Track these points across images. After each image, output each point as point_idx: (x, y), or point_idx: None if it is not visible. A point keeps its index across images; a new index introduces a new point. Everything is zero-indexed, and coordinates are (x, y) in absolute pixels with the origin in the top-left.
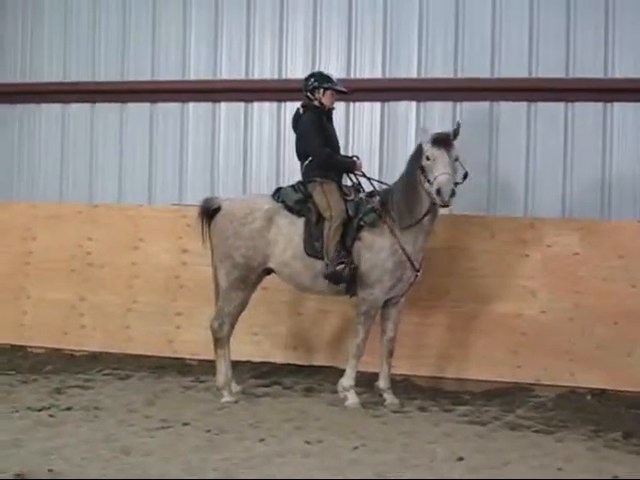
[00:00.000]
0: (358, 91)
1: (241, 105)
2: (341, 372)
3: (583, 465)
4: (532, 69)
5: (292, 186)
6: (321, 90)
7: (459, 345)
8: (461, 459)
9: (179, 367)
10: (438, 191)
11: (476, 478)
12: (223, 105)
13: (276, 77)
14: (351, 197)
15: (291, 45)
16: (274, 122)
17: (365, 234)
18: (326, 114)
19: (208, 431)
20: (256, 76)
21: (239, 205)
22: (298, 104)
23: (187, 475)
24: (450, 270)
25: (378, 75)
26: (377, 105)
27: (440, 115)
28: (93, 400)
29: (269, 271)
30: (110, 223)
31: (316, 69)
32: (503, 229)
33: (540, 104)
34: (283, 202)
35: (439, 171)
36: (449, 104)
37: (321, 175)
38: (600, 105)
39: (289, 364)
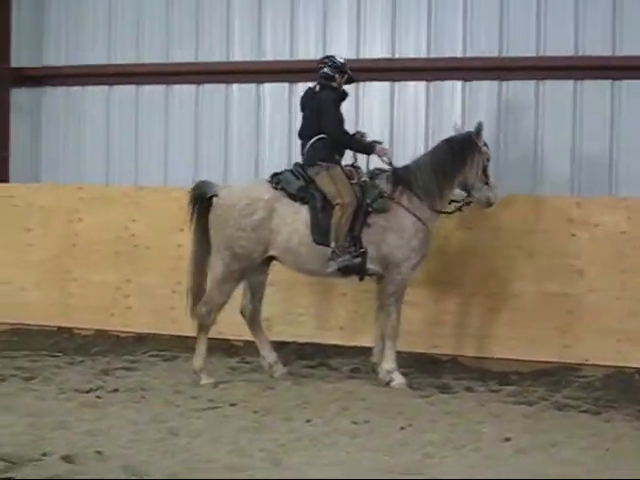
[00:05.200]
0: (402, 71)
1: (285, 86)
2: None
3: (631, 445)
4: (578, 47)
5: (291, 171)
6: (345, 75)
7: (505, 325)
8: (508, 439)
9: (225, 348)
10: (489, 200)
11: (524, 459)
12: (267, 86)
13: (320, 57)
14: (355, 180)
15: (335, 26)
16: None
17: (377, 218)
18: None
19: (255, 412)
20: (300, 57)
21: (238, 195)
22: (345, 85)
23: (235, 456)
24: (496, 250)
25: (423, 54)
26: (422, 84)
27: (486, 94)
28: (140, 381)
29: (270, 259)
30: (155, 205)
31: (360, 50)
32: (549, 208)
33: (586, 82)
34: (283, 189)
35: (493, 180)
36: (494, 83)
37: (325, 158)
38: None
39: (335, 345)
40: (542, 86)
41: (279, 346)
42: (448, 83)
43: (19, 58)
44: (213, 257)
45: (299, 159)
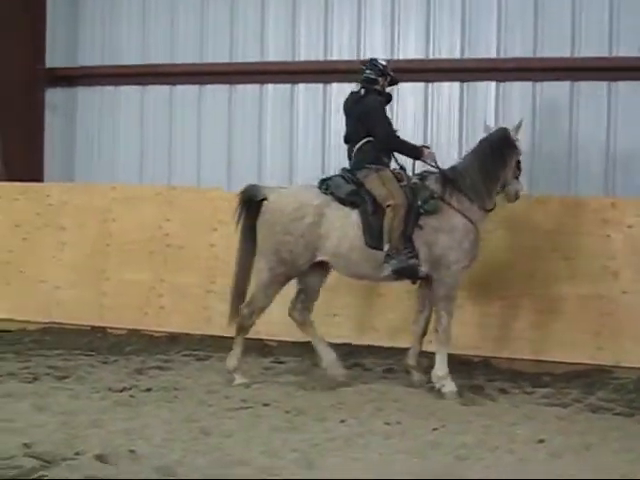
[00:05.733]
0: (436, 71)
1: (319, 86)
2: (420, 354)
3: None
4: (612, 48)
5: (340, 176)
6: (388, 78)
7: (539, 326)
8: (542, 441)
9: (259, 348)
10: (518, 193)
11: (557, 461)
12: (301, 86)
13: (355, 58)
14: (404, 182)
15: (369, 26)
16: None
17: (428, 219)
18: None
19: (288, 412)
20: (334, 57)
21: (287, 199)
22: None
23: (267, 457)
24: (531, 252)
25: (457, 55)
26: (456, 85)
27: (520, 95)
28: (173, 381)
29: (324, 263)
30: (189, 205)
31: (395, 51)
32: (584, 209)
33: (620, 83)
34: (332, 194)
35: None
36: (528, 84)
37: (373, 161)
38: None
39: (369, 345)
40: (576, 87)
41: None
42: (482, 84)
43: (54, 58)
44: (259, 260)
45: (332, 160)
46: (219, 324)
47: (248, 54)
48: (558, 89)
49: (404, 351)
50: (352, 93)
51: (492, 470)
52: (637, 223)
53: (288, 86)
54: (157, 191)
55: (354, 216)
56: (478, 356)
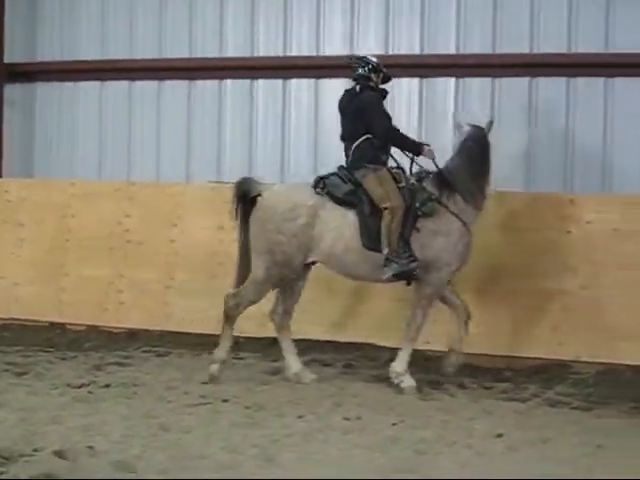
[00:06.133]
0: (396, 67)
1: (279, 82)
2: (379, 349)
3: (622, 442)
4: (571, 45)
5: (337, 175)
6: (381, 74)
7: (499, 322)
8: (500, 436)
9: (218, 344)
10: (491, 192)
11: (515, 455)
12: (260, 82)
13: (313, 54)
14: (402, 183)
15: (328, 22)
16: (311, 99)
17: (425, 221)
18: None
19: (247, 408)
20: (293, 53)
21: (281, 198)
22: (336, 81)
23: (226, 452)
24: (491, 247)
25: (416, 51)
26: (415, 81)
27: (479, 91)
28: (132, 377)
29: (309, 265)
30: (148, 200)
31: (354, 46)
32: (543, 205)
33: (580, 79)
34: (329, 193)
35: None
36: (487, 80)
37: (372, 160)
38: (639, 80)
39: (328, 341)
40: (535, 83)
41: (272, 342)
42: (441, 80)
43: (12, 54)
44: (254, 258)
45: (292, 155)
46: (179, 320)
47: (207, 50)
48: (517, 85)
49: (363, 346)
50: (346, 91)
51: (451, 465)
52: (596, 219)
53: (247, 82)
54: (116, 187)
55: (351, 216)
56: (437, 351)
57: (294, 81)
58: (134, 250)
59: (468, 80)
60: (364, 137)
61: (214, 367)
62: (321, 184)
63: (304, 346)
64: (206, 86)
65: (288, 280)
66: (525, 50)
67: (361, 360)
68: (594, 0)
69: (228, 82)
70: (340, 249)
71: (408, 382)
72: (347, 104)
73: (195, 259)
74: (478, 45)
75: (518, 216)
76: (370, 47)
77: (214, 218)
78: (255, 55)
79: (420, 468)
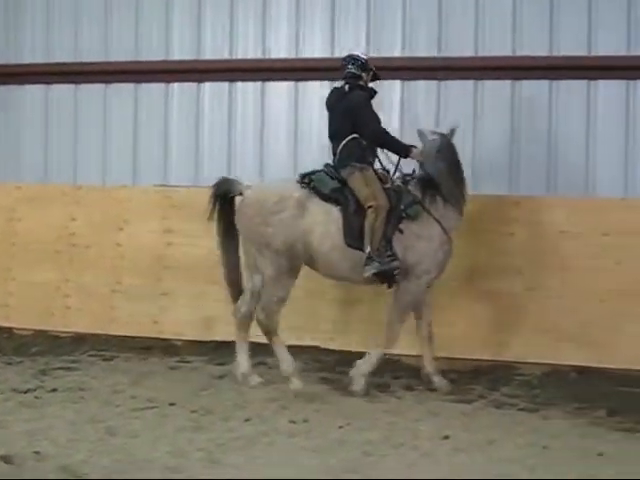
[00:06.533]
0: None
1: (225, 85)
2: (326, 352)
3: (568, 442)
4: (516, 48)
5: (324, 171)
6: (370, 73)
7: (444, 324)
8: (446, 437)
9: (164, 348)
10: None
11: (461, 456)
12: (207, 85)
13: (260, 57)
14: (388, 184)
15: (274, 25)
16: (258, 102)
17: (409, 224)
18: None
19: (194, 411)
20: (240, 56)
21: (266, 193)
22: (282, 84)
23: (173, 456)
24: None
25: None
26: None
27: (424, 95)
28: (78, 381)
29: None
30: (94, 204)
31: (300, 48)
32: (489, 207)
33: (524, 82)
34: (314, 189)
35: None
36: (433, 83)
37: (359, 159)
38: (585, 83)
39: None
40: (481, 85)
41: (218, 345)
42: (386, 83)
43: None
44: (259, 260)
45: (238, 158)
46: (125, 324)
47: (153, 53)
48: (462, 88)
49: (309, 349)
50: (335, 89)
51: (397, 466)
52: (541, 221)
53: (194, 85)
54: (63, 190)
55: (335, 213)
56: (385, 354)
57: (240, 84)
58: (80, 254)
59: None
60: (351, 136)
61: (254, 380)
62: (306, 179)
63: (251, 349)
64: (152, 89)
65: (297, 271)
66: (470, 53)
67: (307, 363)
68: (576, 3)
69: (175, 85)
70: (327, 246)
71: (359, 385)
72: (336, 103)
73: (141, 263)
74: (423, 48)
75: (464, 218)
76: (315, 50)
77: (160, 221)
78: (201, 58)
79: (366, 470)
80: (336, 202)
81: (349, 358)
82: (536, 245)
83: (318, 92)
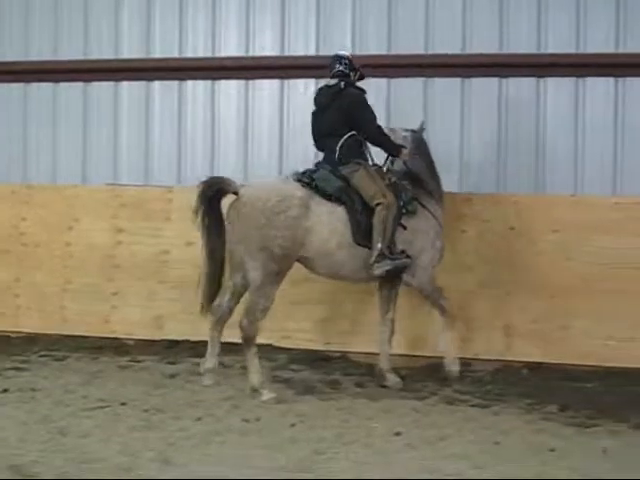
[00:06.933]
0: (291, 68)
1: (175, 84)
2: (277, 350)
3: (520, 438)
4: (466, 45)
5: (327, 170)
6: (357, 72)
7: (397, 320)
8: (398, 434)
9: (116, 347)
10: None
11: (413, 453)
12: (157, 84)
13: (209, 55)
14: (386, 181)
15: (224, 23)
16: (208, 101)
17: (408, 220)
18: None
19: (146, 411)
20: (190, 54)
21: (268, 192)
22: (232, 82)
23: (124, 455)
24: None
25: (312, 52)
26: (311, 82)
27: (374, 92)
28: (30, 382)
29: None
30: (44, 203)
31: (250, 47)
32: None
33: (474, 80)
34: (316, 187)
35: None
36: (383, 81)
37: (358, 156)
38: (534, 80)
39: (226, 342)
40: (430, 83)
41: (170, 344)
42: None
43: None
44: (248, 263)
45: (189, 156)
46: (76, 323)
47: (103, 51)
48: (411, 86)
49: (261, 347)
50: (326, 87)
51: (349, 464)
52: (492, 218)
53: (144, 83)
54: (12, 189)
55: (340, 212)
56: (337, 351)
57: (190, 83)
58: (30, 253)
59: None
60: (350, 133)
61: (266, 396)
62: (307, 178)
63: (204, 348)
64: (102, 88)
65: (284, 276)
66: (420, 51)
67: (259, 361)
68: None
69: (124, 84)
70: (333, 244)
71: (392, 380)
72: (331, 100)
73: (92, 262)
74: (373, 46)
75: None
76: (266, 48)
77: (110, 220)
78: (151, 57)
79: (319, 468)
80: (338, 200)
81: (301, 356)
82: (487, 242)
83: (268, 90)
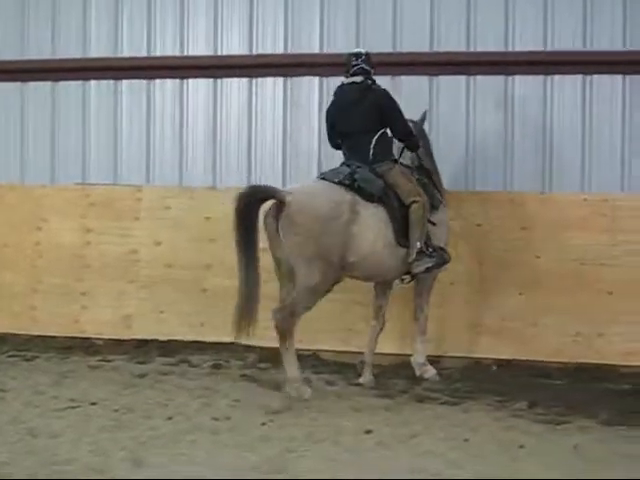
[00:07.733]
0: (260, 67)
1: (143, 82)
2: (246, 348)
3: (489, 435)
4: (434, 44)
5: (366, 169)
6: (373, 70)
7: (364, 318)
8: (369, 432)
9: (86, 347)
10: None
11: (384, 451)
12: (125, 83)
13: (178, 54)
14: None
15: (192, 21)
16: (177, 100)
17: (433, 214)
18: None
19: (116, 410)
20: (158, 53)
21: (319, 197)
22: (200, 81)
23: (95, 455)
24: None
25: (280, 50)
26: (280, 80)
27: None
28: None
29: None
30: (12, 203)
31: (218, 45)
32: None
33: (442, 78)
34: (359, 189)
35: None
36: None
37: (390, 155)
38: (502, 78)
39: (195, 341)
40: (398, 81)
41: (139, 344)
42: (305, 79)
43: None
44: (302, 265)
45: (157, 154)
46: (46, 323)
47: (71, 50)
48: (381, 84)
49: (229, 346)
50: (353, 83)
51: (319, 462)
52: (458, 215)
53: (111, 82)
54: None
55: (381, 212)
56: (307, 350)
57: (158, 81)
58: None
59: (332, 79)
60: (382, 131)
61: (300, 389)
62: (349, 179)
63: (172, 347)
64: (70, 87)
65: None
66: (388, 49)
67: (229, 360)
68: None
69: (92, 83)
70: (380, 245)
71: (431, 372)
72: (359, 97)
73: (61, 262)
74: (342, 44)
75: None
76: (234, 47)
77: (79, 220)
78: (119, 55)
79: (289, 466)
80: (380, 200)
81: (270, 355)
82: (455, 239)
83: (237, 90)
